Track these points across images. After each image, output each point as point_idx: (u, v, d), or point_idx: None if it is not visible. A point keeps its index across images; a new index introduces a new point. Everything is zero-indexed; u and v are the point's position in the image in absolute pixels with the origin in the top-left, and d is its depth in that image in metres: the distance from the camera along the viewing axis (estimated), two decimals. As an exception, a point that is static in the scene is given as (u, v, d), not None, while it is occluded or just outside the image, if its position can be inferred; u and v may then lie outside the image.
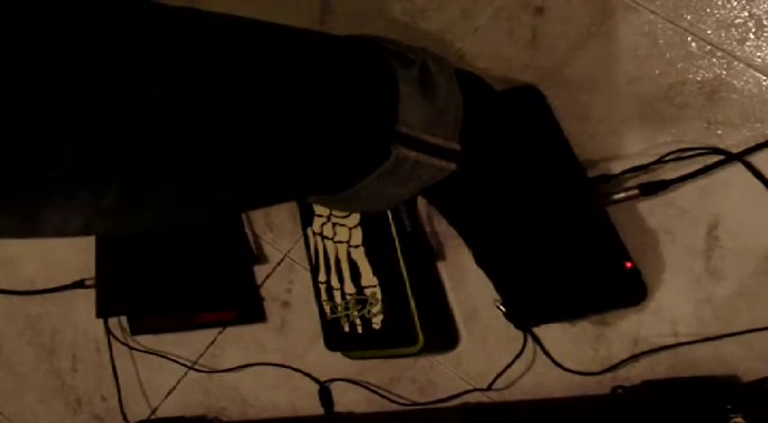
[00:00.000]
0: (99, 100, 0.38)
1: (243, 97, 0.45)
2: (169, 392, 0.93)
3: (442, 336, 0.75)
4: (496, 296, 0.69)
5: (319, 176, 0.55)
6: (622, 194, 0.65)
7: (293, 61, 0.50)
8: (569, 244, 0.65)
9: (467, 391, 0.76)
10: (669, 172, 0.65)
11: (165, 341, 0.92)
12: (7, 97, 0.35)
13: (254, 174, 0.49)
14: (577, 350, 0.70)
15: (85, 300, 0.95)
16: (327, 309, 0.77)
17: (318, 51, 0.54)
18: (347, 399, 0.83)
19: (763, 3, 0.61)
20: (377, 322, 0.74)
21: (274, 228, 0.84)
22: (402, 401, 0.79)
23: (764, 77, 0.61)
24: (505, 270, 0.67)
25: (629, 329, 0.68)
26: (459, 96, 0.58)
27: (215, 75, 0.44)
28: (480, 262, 0.68)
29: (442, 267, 0.75)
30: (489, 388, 0.74)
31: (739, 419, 0.60)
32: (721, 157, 0.63)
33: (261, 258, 0.85)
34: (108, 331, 0.93)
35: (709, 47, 0.63)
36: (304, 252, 0.80)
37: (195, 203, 0.48)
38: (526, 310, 0.68)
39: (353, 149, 0.54)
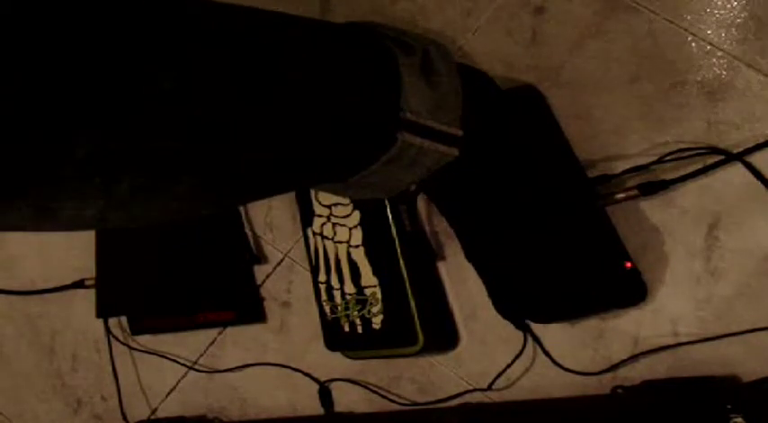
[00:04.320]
0: (112, 94, 0.38)
1: (252, 90, 0.46)
2: (169, 392, 0.93)
3: (442, 336, 0.75)
4: (496, 296, 0.69)
5: (326, 165, 0.55)
6: (622, 194, 0.65)
7: (300, 51, 0.51)
8: (569, 244, 0.65)
9: (467, 391, 0.76)
10: (669, 172, 0.65)
11: (165, 341, 0.92)
12: (21, 91, 0.35)
13: (265, 165, 0.50)
14: (577, 350, 0.70)
15: (85, 300, 0.95)
16: (327, 309, 0.77)
17: (323, 40, 0.54)
18: (347, 399, 0.83)
19: (763, 3, 0.61)
20: (377, 322, 0.74)
21: (274, 228, 0.84)
22: (402, 401, 0.79)
23: (764, 77, 0.61)
24: (502, 268, 0.67)
25: (629, 329, 0.68)
26: (459, 83, 0.58)
27: (225, 68, 0.45)
28: (471, 257, 0.68)
29: (442, 267, 0.75)
30: (489, 388, 0.74)
31: (739, 419, 0.59)
32: (721, 157, 0.63)
33: (261, 258, 0.85)
34: (108, 331, 0.93)
35: (709, 47, 0.63)
36: (304, 252, 0.80)
37: (206, 196, 0.48)
38: (514, 303, 0.68)
39: (359, 137, 0.54)
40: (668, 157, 0.64)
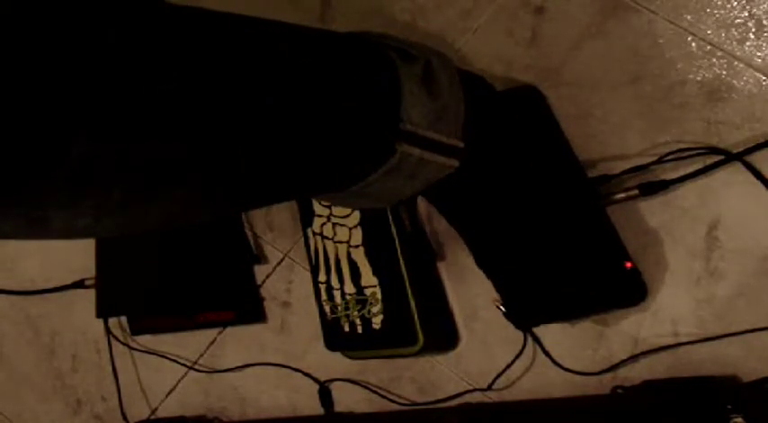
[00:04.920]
0: (111, 95, 0.38)
1: (253, 99, 0.46)
2: (169, 392, 0.93)
3: (442, 336, 0.75)
4: (496, 296, 0.69)
5: (326, 174, 0.55)
6: (622, 194, 0.65)
7: (300, 61, 0.51)
8: (569, 244, 0.65)
9: (467, 391, 0.76)
10: (669, 172, 0.65)
11: (165, 341, 0.92)
12: (18, 92, 0.35)
13: (264, 174, 0.50)
14: (577, 350, 0.70)
15: (85, 300, 0.95)
16: (327, 309, 0.77)
17: (323, 49, 0.54)
18: (347, 399, 0.83)
19: (763, 3, 0.61)
20: (377, 322, 0.74)
21: (274, 228, 0.84)
22: (402, 401, 0.79)
23: (764, 77, 0.61)
24: (505, 270, 0.67)
25: (629, 329, 0.68)
26: (461, 93, 0.58)
27: (225, 77, 0.45)
28: (481, 262, 0.68)
29: (442, 267, 0.75)
30: (489, 388, 0.74)
31: (739, 419, 0.59)
32: (721, 157, 0.63)
33: (261, 258, 0.85)
34: (108, 331, 0.93)
35: (709, 47, 0.63)
36: (304, 252, 0.80)
37: (204, 202, 0.48)
38: (526, 310, 0.68)
39: (359, 147, 0.54)
40: (668, 157, 0.64)
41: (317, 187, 0.58)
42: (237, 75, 0.45)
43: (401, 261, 0.73)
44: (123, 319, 0.93)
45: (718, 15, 0.62)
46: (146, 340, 0.93)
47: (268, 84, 0.47)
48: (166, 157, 0.42)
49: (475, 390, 0.75)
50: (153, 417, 0.95)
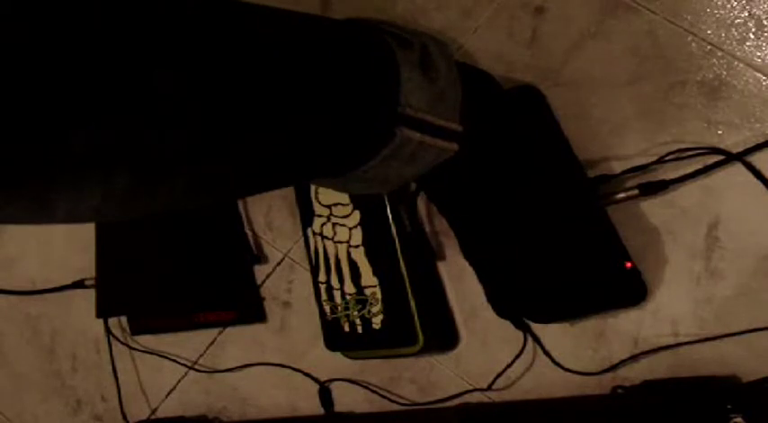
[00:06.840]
0: (109, 91, 0.38)
1: (251, 85, 0.46)
2: (169, 392, 0.93)
3: (442, 336, 0.75)
4: (496, 296, 0.69)
5: (325, 159, 0.55)
6: (622, 194, 0.65)
7: (298, 46, 0.51)
8: (569, 244, 0.65)
9: (467, 391, 0.76)
10: (669, 172, 0.65)
11: (165, 341, 0.92)
12: (17, 87, 0.35)
13: (264, 160, 0.50)
14: (577, 350, 0.70)
15: (85, 300, 0.95)
16: (327, 309, 0.77)
17: (321, 35, 0.55)
18: (347, 399, 0.83)
19: (763, 3, 0.61)
20: (377, 322, 0.74)
21: (274, 228, 0.84)
22: (402, 401, 0.79)
23: (764, 77, 0.61)
24: (503, 268, 0.68)
25: (629, 329, 0.68)
26: (458, 79, 0.58)
27: (223, 61, 0.45)
28: (469, 256, 0.68)
29: (442, 267, 0.75)
30: (489, 388, 0.74)
31: (739, 419, 0.60)
32: (721, 157, 0.63)
33: (261, 258, 0.85)
34: (108, 331, 0.93)
35: (709, 47, 0.63)
36: (304, 252, 0.80)
37: (205, 189, 0.48)
38: (508, 299, 0.68)
39: (358, 132, 0.54)
40: (668, 157, 0.64)
41: (318, 172, 0.58)
42: (235, 62, 0.46)
43: (401, 261, 0.73)
44: (123, 319, 0.93)
45: (718, 15, 0.62)
46: (146, 340, 0.93)
47: (266, 69, 0.47)
48: (165, 150, 0.42)
49: (475, 390, 0.75)
50: (153, 417, 0.95)
